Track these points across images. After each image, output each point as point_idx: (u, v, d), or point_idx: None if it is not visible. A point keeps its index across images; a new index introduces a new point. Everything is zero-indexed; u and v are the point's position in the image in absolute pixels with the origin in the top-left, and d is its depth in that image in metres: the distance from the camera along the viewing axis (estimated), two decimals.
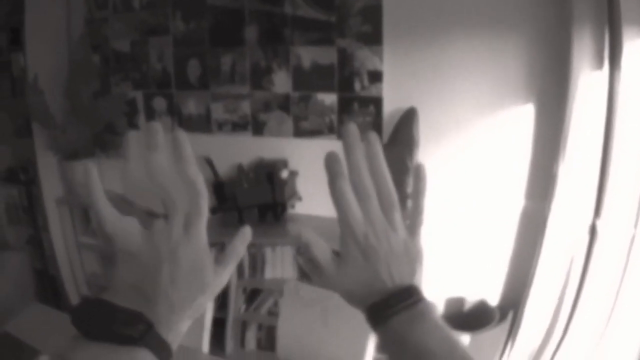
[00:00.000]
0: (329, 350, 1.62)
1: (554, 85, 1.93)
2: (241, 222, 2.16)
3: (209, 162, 2.16)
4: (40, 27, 2.49)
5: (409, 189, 2.02)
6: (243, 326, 2.45)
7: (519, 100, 2.06)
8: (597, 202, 2.04)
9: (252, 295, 2.42)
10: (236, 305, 2.34)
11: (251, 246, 2.15)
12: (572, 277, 2.09)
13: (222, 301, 2.23)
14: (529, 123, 2.08)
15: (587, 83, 1.89)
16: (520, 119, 2.07)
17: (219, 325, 2.23)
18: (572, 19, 1.86)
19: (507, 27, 2.01)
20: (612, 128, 1.92)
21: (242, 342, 2.48)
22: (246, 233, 0.55)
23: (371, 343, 1.52)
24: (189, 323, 0.51)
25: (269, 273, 2.29)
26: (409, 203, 1.94)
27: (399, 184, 2.16)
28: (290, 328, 1.70)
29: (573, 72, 1.89)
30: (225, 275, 0.52)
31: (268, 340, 2.46)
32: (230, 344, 2.43)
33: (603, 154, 1.97)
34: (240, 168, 2.14)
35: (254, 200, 2.14)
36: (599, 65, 1.90)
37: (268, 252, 2.24)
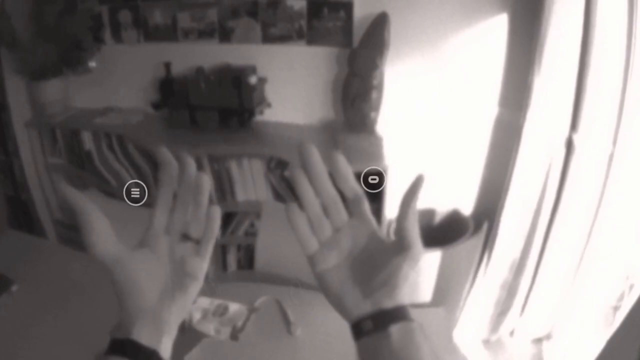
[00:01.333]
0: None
1: None
2: (194, 123, 2.11)
3: (167, 65, 2.13)
4: None
5: (375, 81, 1.99)
6: (223, 250, 2.42)
7: (493, 9, 2.01)
8: (573, 116, 2.02)
9: (227, 219, 2.35)
10: None
11: (213, 160, 2.10)
12: (550, 189, 2.07)
13: None
14: (503, 32, 2.05)
15: None
16: (494, 27, 2.03)
17: None
18: None
19: None
20: (590, 43, 1.89)
21: (224, 265, 2.46)
22: (213, 212, 0.55)
23: None
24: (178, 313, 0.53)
25: (241, 195, 2.21)
26: (374, 94, 1.91)
27: (367, 76, 2.14)
28: (268, 243, 1.69)
29: None
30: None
31: (247, 259, 2.43)
32: (211, 269, 2.40)
33: (580, 69, 1.94)
34: (199, 69, 2.07)
35: (212, 102, 2.06)
36: None
37: (234, 167, 2.14)
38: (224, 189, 2.20)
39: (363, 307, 0.52)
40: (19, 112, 2.45)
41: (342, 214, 0.55)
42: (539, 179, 2.09)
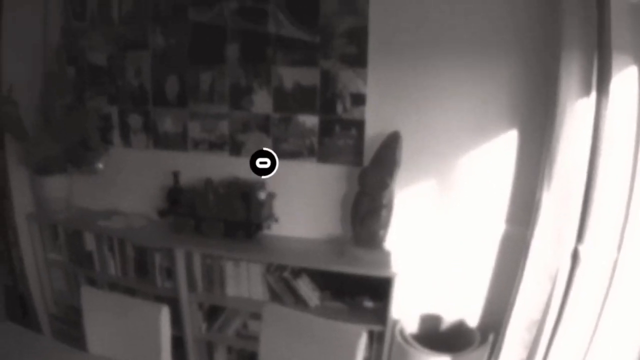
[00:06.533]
0: None
1: (540, 110, 1.92)
2: (199, 230, 2.11)
3: (175, 174, 2.12)
4: (16, 34, 2.41)
5: (384, 200, 2.01)
6: (209, 347, 2.35)
7: (503, 125, 2.03)
8: (580, 228, 2.02)
9: (212, 314, 2.30)
10: (193, 323, 2.22)
11: (207, 257, 2.11)
12: (554, 302, 2.06)
13: (175, 317, 2.02)
14: (513, 148, 2.05)
15: (574, 109, 1.87)
16: (504, 144, 2.04)
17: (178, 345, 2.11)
18: (561, 44, 1.84)
19: (493, 51, 1.99)
20: (598, 153, 1.89)
21: None
22: None
23: None
24: None
25: (232, 290, 2.18)
26: (383, 212, 1.91)
27: (377, 195, 2.16)
28: (272, 353, 1.65)
29: (560, 98, 1.87)
30: None
31: None
32: None
33: (588, 180, 1.93)
34: (208, 181, 2.08)
35: (220, 215, 2.08)
36: (587, 91, 1.87)
37: (229, 266, 2.13)
38: (212, 280, 2.16)
39: None
40: (21, 203, 2.42)
41: None
42: (545, 291, 2.09)
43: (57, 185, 2.31)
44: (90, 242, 2.25)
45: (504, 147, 2.05)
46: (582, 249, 2.03)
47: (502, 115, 2.02)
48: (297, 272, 2.09)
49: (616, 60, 1.81)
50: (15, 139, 2.34)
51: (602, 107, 1.85)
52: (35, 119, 2.34)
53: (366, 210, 2.05)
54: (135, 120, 2.21)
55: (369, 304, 2.11)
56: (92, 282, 2.34)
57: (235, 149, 2.14)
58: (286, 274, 2.08)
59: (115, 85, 2.24)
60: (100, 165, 2.22)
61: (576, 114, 1.86)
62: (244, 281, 2.13)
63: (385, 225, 2.08)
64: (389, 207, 2.07)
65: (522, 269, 2.05)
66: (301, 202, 2.13)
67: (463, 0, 1.98)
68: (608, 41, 1.78)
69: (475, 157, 2.08)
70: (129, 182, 2.26)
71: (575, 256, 2.06)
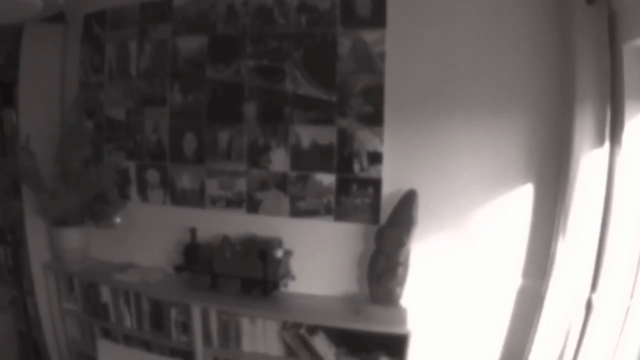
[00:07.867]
0: None
1: (554, 163, 1.93)
2: (215, 287, 2.12)
3: (192, 231, 2.13)
4: (34, 86, 2.44)
5: (401, 258, 2.00)
6: None
7: (518, 179, 2.03)
8: (593, 278, 2.03)
9: None
10: None
11: (223, 313, 2.10)
12: (568, 351, 2.06)
13: None
14: (528, 201, 2.05)
15: (588, 161, 1.88)
16: (519, 198, 2.05)
17: None
18: (575, 97, 1.86)
19: (508, 108, 2.01)
20: (611, 203, 1.91)
21: None
22: None
23: None
24: None
25: (248, 345, 2.16)
26: (400, 270, 1.92)
27: (393, 254, 2.16)
28: None
29: (574, 149, 1.88)
30: None
31: None
32: None
33: (601, 230, 1.95)
34: (225, 238, 2.09)
35: (236, 272, 2.09)
36: (600, 142, 1.89)
37: (245, 322, 2.13)
38: (228, 336, 2.16)
39: None
40: (37, 252, 2.43)
41: None
42: (559, 342, 2.09)
43: (74, 237, 2.32)
44: (106, 294, 2.26)
45: (519, 201, 2.05)
46: (595, 298, 2.04)
47: (517, 170, 2.02)
48: (313, 329, 2.09)
49: (628, 109, 1.83)
50: (32, 189, 2.36)
51: (614, 156, 1.87)
52: (53, 170, 2.36)
53: (383, 269, 2.06)
54: (152, 175, 2.23)
55: None
56: (107, 333, 2.35)
57: (253, 207, 2.15)
58: (302, 331, 2.08)
59: (133, 140, 2.26)
60: (118, 220, 2.23)
61: (590, 164, 1.87)
62: (260, 337, 2.13)
63: (401, 282, 2.09)
64: (405, 264, 2.07)
65: (537, 322, 2.05)
66: (318, 260, 2.13)
67: (478, 57, 2.00)
68: (621, 91, 1.79)
69: (491, 212, 2.09)
70: (145, 236, 2.27)
71: (589, 306, 2.07)
